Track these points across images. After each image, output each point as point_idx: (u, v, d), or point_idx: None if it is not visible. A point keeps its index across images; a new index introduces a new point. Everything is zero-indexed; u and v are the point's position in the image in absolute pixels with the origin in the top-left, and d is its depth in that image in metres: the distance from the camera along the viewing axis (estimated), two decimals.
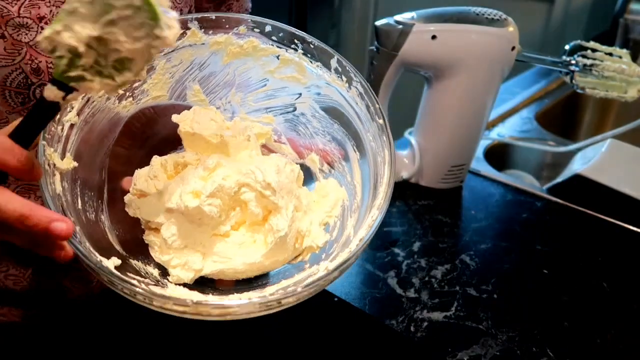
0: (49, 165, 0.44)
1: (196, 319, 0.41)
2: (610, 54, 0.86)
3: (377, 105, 0.53)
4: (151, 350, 0.61)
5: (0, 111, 0.55)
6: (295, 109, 0.60)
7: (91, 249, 0.43)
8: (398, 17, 0.80)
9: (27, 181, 0.39)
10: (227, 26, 0.55)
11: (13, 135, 0.39)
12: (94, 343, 0.61)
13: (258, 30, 0.55)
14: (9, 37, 0.52)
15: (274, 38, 0.56)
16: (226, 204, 0.50)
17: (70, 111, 0.47)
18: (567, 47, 0.89)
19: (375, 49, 0.82)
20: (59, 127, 0.46)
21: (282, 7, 2.31)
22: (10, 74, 0.53)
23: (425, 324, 0.66)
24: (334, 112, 0.57)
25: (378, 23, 0.81)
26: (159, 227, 0.49)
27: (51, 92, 0.39)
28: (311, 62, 0.56)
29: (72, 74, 0.38)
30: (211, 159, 0.51)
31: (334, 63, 0.55)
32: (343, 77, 0.55)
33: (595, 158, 0.90)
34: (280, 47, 0.56)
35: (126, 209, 0.51)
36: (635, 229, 0.84)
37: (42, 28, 0.54)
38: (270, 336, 0.63)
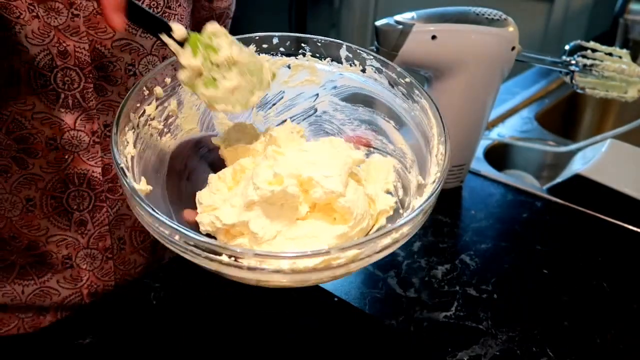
0: (131, 187, 0.44)
1: (310, 282, 0.43)
2: (610, 54, 0.86)
3: (397, 70, 0.54)
4: (147, 354, 0.61)
5: (22, 90, 0.57)
6: (316, 111, 0.60)
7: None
8: (398, 17, 0.80)
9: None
10: None
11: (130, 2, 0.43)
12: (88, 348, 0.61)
13: (266, 46, 0.56)
14: (42, 18, 0.54)
15: (282, 49, 0.57)
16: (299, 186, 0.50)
17: (127, 144, 0.48)
18: (567, 47, 0.89)
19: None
20: (123, 158, 0.46)
21: (282, 7, 2.32)
22: (38, 54, 0.55)
23: (425, 324, 0.66)
24: (355, 98, 0.58)
25: (378, 23, 0.81)
26: (243, 229, 0.49)
27: (180, 32, 0.46)
28: (321, 60, 0.57)
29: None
30: (268, 149, 0.51)
31: (343, 53, 0.56)
32: (355, 61, 0.56)
33: (595, 158, 0.90)
34: (290, 56, 0.57)
35: (201, 229, 0.51)
36: (635, 229, 0.84)
37: (72, 14, 0.56)
38: (270, 336, 0.63)
